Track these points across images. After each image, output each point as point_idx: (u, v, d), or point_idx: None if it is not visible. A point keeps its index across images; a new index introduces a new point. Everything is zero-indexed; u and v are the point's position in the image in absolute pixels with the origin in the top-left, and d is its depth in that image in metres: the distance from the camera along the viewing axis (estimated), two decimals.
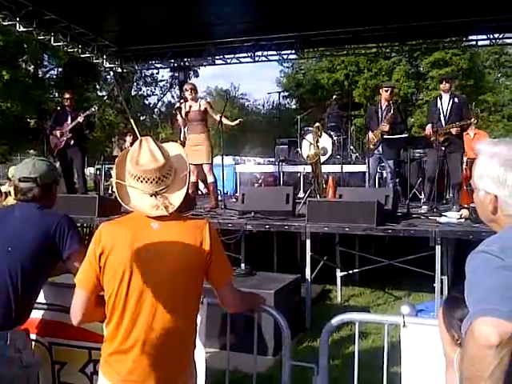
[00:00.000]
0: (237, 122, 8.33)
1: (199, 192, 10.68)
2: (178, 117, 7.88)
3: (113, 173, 2.13)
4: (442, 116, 7.44)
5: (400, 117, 8.27)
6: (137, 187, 2.11)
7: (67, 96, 9.19)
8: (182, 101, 8.01)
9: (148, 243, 2.08)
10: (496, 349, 1.28)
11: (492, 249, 1.45)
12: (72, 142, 8.86)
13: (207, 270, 2.18)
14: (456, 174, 7.45)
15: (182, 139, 9.67)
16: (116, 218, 2.33)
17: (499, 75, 37.97)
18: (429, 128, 7.52)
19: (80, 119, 8.80)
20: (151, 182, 2.10)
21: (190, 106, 7.82)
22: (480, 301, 1.37)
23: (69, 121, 8.90)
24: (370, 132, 8.30)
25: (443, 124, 7.37)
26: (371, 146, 8.30)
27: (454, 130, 7.24)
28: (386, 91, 8.31)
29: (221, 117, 7.77)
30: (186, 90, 7.89)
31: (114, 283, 2.07)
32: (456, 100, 7.51)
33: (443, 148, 7.24)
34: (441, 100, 7.59)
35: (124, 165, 2.15)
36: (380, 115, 8.24)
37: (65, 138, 8.83)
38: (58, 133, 8.83)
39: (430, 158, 7.74)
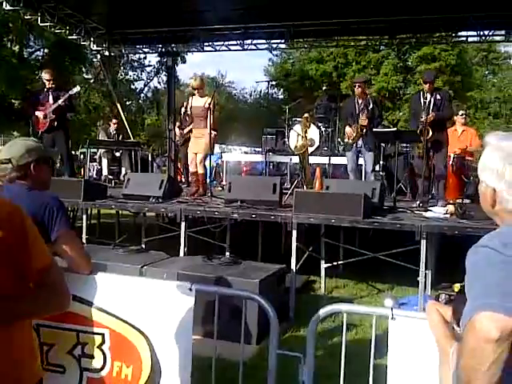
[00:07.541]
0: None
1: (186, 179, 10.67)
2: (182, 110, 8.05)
3: None
4: (424, 110, 7.42)
5: (377, 110, 8.31)
6: None
7: (47, 77, 8.71)
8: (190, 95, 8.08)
9: None
10: (495, 343, 1.30)
11: (493, 243, 1.44)
12: (55, 123, 8.53)
13: None
14: (440, 168, 7.48)
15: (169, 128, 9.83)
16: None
17: (487, 72, 38.12)
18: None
19: (61, 101, 8.48)
20: None
21: (194, 101, 7.90)
22: (481, 295, 1.38)
23: (51, 101, 8.56)
24: (348, 127, 8.32)
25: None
26: (349, 141, 8.31)
27: (430, 118, 7.25)
28: (357, 87, 8.35)
29: (209, 105, 7.71)
30: (193, 86, 7.97)
31: None
32: (438, 96, 7.49)
33: (428, 144, 7.26)
34: (424, 95, 7.55)
35: None
36: (357, 110, 8.26)
37: (48, 120, 8.49)
38: (41, 114, 8.50)
39: (416, 153, 7.77)
